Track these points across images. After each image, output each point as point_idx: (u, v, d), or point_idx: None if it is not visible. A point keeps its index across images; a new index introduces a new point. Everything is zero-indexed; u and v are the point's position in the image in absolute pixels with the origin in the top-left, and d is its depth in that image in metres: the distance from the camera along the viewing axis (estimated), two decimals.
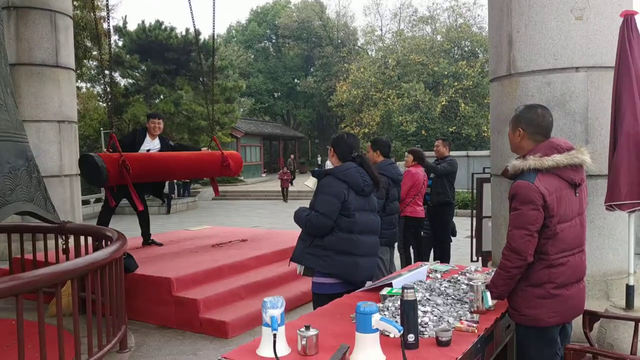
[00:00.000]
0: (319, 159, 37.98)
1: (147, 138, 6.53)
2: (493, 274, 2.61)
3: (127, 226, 13.26)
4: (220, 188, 29.31)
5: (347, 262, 3.18)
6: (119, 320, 3.94)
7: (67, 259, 4.87)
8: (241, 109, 39.75)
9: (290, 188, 25.54)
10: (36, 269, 4.93)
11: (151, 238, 6.79)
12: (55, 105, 8.11)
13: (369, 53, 39.02)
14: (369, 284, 3.13)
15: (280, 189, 22.73)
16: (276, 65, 44.88)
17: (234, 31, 49.12)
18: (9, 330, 2.77)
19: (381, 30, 41.35)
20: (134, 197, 5.63)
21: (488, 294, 2.55)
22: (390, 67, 30.44)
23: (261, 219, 16.02)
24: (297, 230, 3.39)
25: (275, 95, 45.89)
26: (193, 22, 10.67)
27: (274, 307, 1.98)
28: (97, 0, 16.03)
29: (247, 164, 33.92)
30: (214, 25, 7.63)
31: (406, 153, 6.52)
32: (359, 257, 3.23)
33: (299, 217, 3.25)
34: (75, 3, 11.93)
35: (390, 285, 2.86)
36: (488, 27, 4.75)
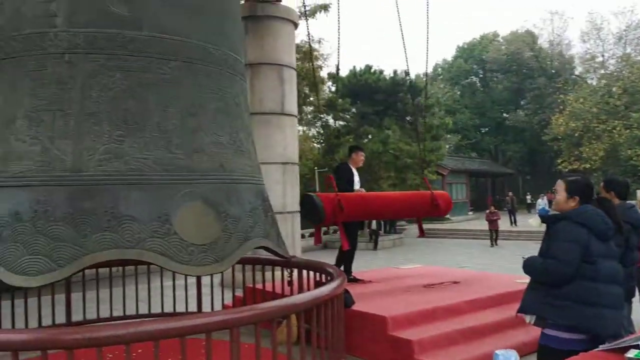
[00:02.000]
0: (529, 197, 35.58)
1: (353, 170, 6.70)
2: None
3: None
4: (426, 226, 29.01)
5: (591, 314, 2.88)
6: (338, 354, 4.10)
7: (292, 291, 5.26)
8: (447, 146, 39.44)
9: (510, 227, 24.10)
10: (265, 298, 5.43)
11: (352, 275, 6.93)
12: (280, 148, 8.99)
13: (589, 82, 35.79)
14: (606, 344, 2.78)
15: (488, 230, 20.74)
16: (483, 100, 43.76)
17: (440, 69, 49.34)
18: (246, 354, 3.12)
19: (603, 56, 37.73)
20: (342, 236, 5.86)
21: None
22: (616, 95, 27.48)
23: (470, 259, 15.46)
24: (513, 274, 3.19)
25: (482, 131, 44.61)
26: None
27: None
28: (315, 51, 17.53)
29: (453, 202, 33.29)
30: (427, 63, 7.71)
31: (638, 192, 5.73)
32: (605, 309, 2.89)
33: (532, 266, 3.05)
34: (297, 56, 13.19)
35: (637, 347, 2.51)
36: None
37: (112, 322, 5.15)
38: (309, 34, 10.56)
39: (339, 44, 7.11)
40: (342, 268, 6.88)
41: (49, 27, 3.06)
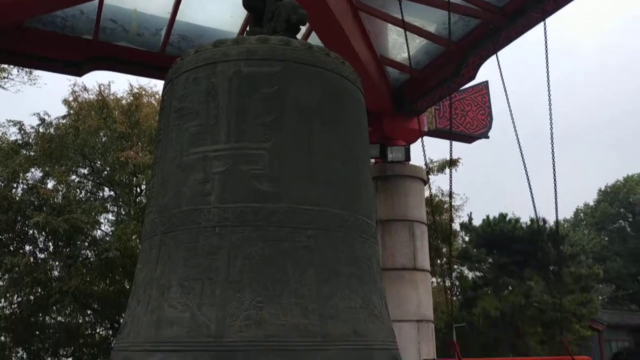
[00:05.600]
0: None
1: None
2: None
3: None
4: None
5: None
6: None
7: None
8: (600, 298, 35.70)
9: None
10: None
11: None
12: (414, 305, 8.75)
13: None
14: None
15: None
16: (637, 246, 39.90)
17: (582, 214, 46.61)
18: None
19: None
20: None
21: None
22: None
23: None
24: None
25: None
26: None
27: None
28: (445, 204, 17.60)
29: None
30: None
31: None
32: None
33: None
34: (427, 209, 13.31)
35: None
36: None
37: None
38: (450, 191, 10.74)
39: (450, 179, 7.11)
40: None
41: (204, 204, 3.46)
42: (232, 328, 3.11)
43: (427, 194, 14.95)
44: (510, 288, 23.73)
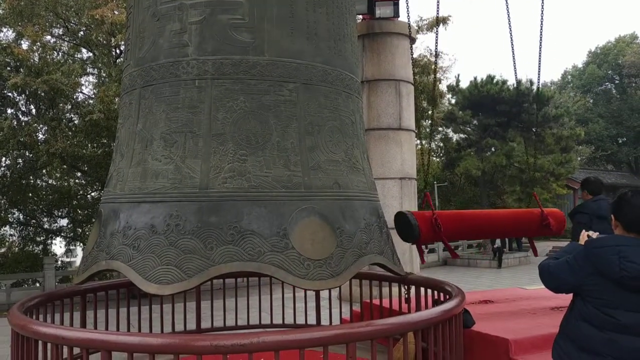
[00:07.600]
0: None
1: None
2: None
3: (458, 278, 13.44)
4: (557, 243, 27.34)
5: None
6: None
7: (409, 308, 5.19)
8: (578, 158, 36.80)
9: None
10: (381, 314, 5.41)
11: None
12: (398, 163, 8.97)
13: None
14: None
15: None
16: (620, 108, 40.25)
17: (569, 76, 46.30)
18: None
19: None
20: (449, 249, 5.80)
21: None
22: None
23: None
24: None
25: (620, 141, 40.99)
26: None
27: None
28: (434, 65, 17.28)
29: None
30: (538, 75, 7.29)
31: None
32: None
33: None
34: (415, 69, 13.11)
35: None
36: None
37: (237, 331, 5.42)
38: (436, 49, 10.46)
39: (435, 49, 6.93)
40: None
41: (182, 57, 3.35)
42: (216, 179, 3.18)
43: (416, 54, 14.64)
44: (493, 149, 24.26)
